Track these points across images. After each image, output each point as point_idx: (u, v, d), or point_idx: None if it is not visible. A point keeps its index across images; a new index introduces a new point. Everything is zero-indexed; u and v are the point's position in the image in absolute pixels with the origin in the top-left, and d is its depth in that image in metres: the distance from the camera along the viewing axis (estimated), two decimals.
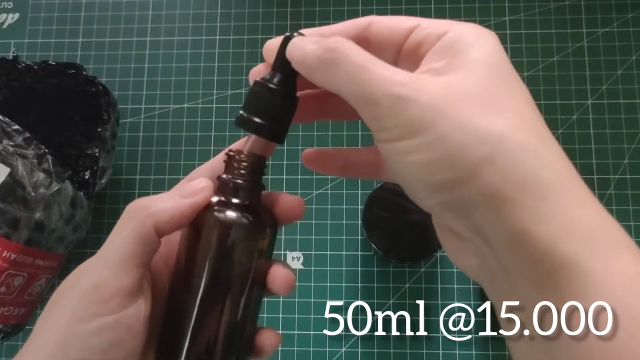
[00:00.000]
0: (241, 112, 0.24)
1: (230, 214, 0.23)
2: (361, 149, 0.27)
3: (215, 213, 0.23)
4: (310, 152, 0.27)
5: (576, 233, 0.18)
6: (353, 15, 0.55)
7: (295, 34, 0.23)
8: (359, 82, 0.20)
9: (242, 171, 0.24)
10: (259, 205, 0.25)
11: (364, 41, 0.23)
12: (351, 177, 0.27)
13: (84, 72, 0.48)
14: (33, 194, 0.40)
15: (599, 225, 0.19)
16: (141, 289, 0.24)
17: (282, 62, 0.23)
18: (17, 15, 0.57)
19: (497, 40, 0.21)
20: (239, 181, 0.24)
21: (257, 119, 0.23)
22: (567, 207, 0.18)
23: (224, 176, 0.25)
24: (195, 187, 0.24)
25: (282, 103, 0.24)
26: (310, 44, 0.22)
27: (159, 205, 0.23)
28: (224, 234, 0.23)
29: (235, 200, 0.24)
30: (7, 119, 0.41)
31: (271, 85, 0.23)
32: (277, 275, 0.25)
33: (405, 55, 0.23)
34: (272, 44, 0.24)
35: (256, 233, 0.24)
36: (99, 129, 0.47)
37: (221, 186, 0.24)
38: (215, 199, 0.24)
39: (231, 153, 0.25)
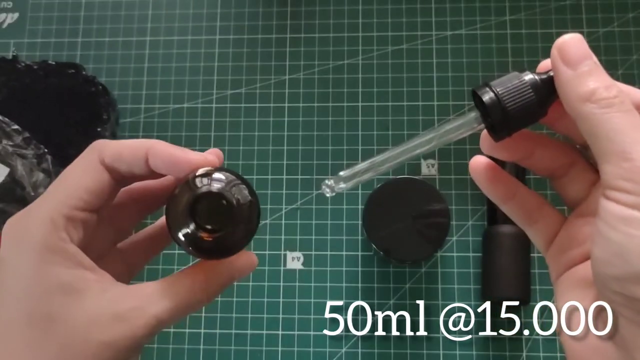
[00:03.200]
0: (488, 85, 0.22)
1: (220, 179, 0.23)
2: (531, 192, 0.25)
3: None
4: (483, 163, 0.25)
5: None
6: (353, 15, 0.55)
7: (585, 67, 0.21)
8: (632, 135, 0.19)
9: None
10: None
11: None
12: (505, 208, 0.26)
13: (84, 72, 0.48)
14: (32, 193, 0.40)
15: None
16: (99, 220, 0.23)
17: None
18: (16, 15, 0.57)
19: None
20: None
21: (492, 95, 0.21)
22: None
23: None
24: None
25: (532, 99, 0.21)
26: (602, 82, 0.20)
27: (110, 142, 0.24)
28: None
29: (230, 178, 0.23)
30: (6, 119, 0.41)
31: (536, 77, 0.22)
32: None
33: None
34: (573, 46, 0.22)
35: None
36: (99, 129, 0.47)
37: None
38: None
39: None
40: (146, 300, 0.22)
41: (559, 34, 0.22)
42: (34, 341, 0.21)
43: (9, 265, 0.22)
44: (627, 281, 0.18)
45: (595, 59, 0.21)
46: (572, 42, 0.21)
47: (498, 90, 0.21)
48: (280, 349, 0.48)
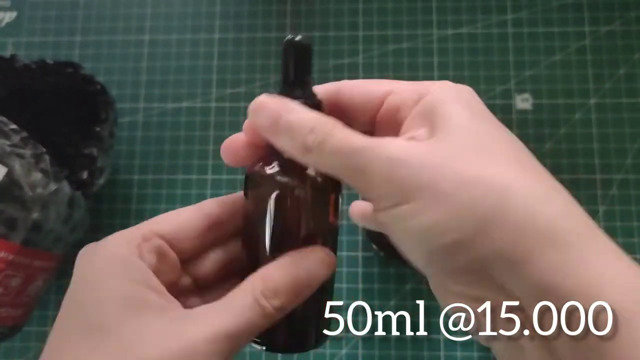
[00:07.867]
0: None
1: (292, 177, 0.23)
2: None
3: (277, 177, 0.23)
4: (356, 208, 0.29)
5: (613, 285, 0.17)
6: (353, 13, 0.54)
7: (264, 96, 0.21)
8: (345, 154, 0.19)
9: None
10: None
11: (335, 108, 0.23)
12: None
13: (82, 71, 0.48)
14: (30, 194, 0.40)
15: (631, 274, 0.17)
16: None
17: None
18: (14, 14, 0.57)
19: (473, 93, 0.21)
20: None
21: None
22: (594, 257, 0.17)
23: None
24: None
25: None
26: (290, 134, 0.20)
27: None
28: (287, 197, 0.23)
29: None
30: (4, 118, 0.41)
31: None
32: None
33: (382, 121, 0.23)
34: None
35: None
36: (97, 129, 0.46)
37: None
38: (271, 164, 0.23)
39: None
40: (203, 344, 0.20)
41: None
42: (82, 354, 0.19)
43: (80, 274, 0.22)
44: (425, 266, 0.20)
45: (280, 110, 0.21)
46: (260, 110, 0.21)
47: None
48: None
